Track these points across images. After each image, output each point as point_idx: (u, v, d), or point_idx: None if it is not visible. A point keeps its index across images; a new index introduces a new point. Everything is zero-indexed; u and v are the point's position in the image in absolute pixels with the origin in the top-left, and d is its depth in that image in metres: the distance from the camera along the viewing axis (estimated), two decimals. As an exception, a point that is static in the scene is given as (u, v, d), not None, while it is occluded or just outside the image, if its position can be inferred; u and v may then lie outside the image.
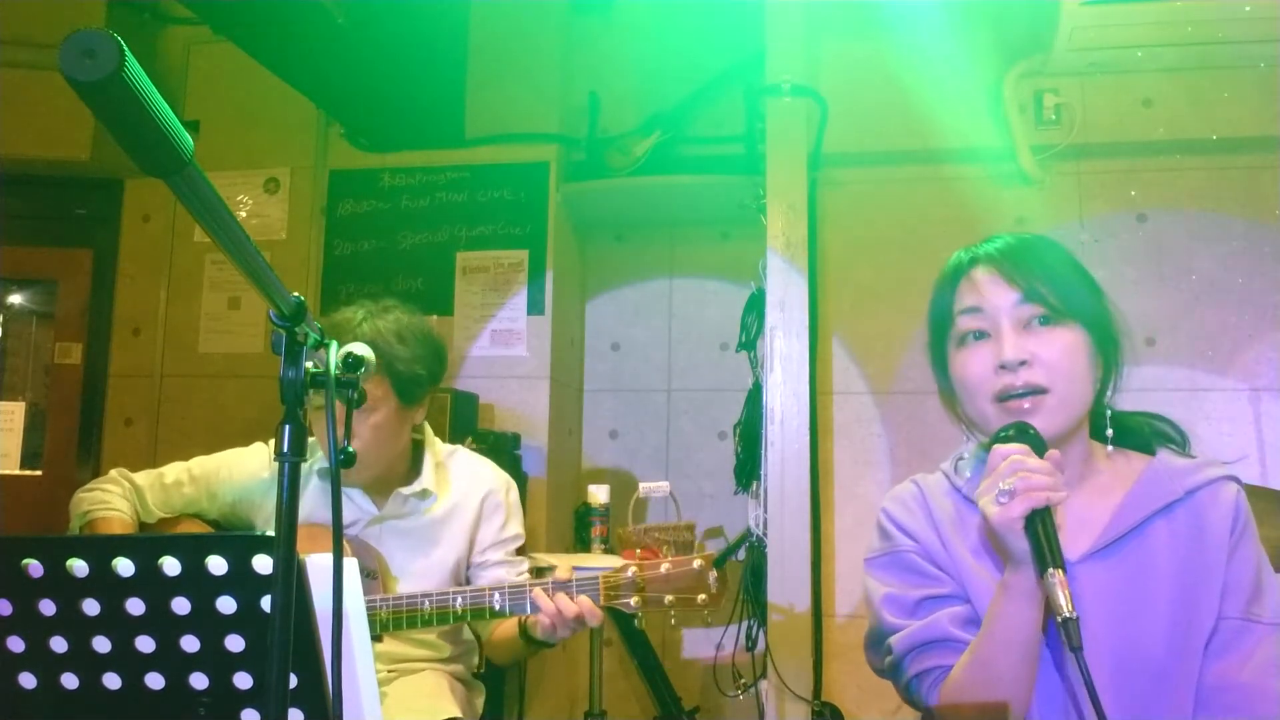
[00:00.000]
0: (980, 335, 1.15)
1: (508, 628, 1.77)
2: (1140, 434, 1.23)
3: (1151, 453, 1.20)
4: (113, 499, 1.80)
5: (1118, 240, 2.97)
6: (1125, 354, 1.18)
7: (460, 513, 1.84)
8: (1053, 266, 1.16)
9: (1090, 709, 1.05)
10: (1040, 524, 0.99)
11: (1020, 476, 1.00)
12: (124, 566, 0.92)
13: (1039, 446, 1.05)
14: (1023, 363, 1.10)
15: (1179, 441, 1.23)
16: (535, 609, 1.57)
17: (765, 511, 2.65)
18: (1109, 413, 1.19)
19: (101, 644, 0.95)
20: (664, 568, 1.57)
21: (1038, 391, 1.10)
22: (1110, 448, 1.19)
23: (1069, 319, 1.13)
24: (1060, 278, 1.15)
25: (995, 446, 1.06)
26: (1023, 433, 1.07)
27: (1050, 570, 0.97)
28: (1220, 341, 2.89)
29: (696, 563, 1.57)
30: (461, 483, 1.87)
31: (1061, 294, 1.13)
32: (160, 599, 0.93)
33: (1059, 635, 1.08)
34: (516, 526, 1.91)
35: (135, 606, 0.93)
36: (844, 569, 2.99)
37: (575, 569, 1.61)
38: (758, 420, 2.76)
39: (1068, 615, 0.94)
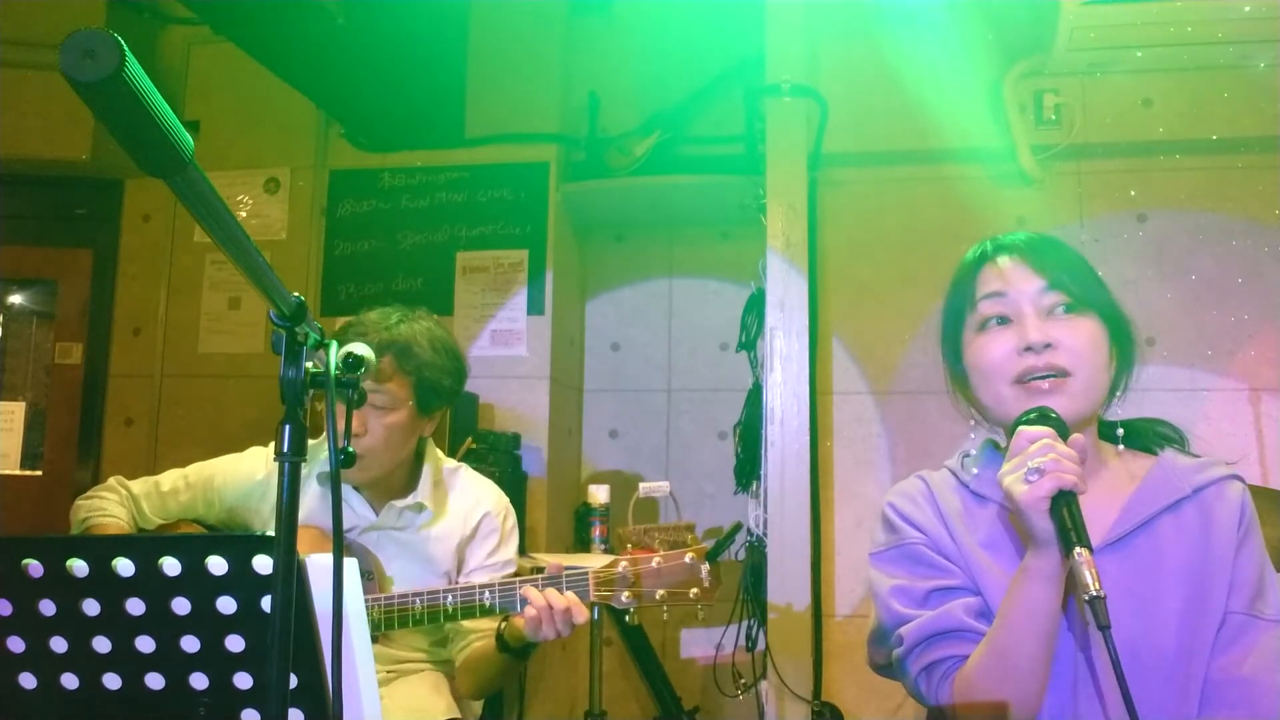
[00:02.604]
0: (1002, 320, 1.16)
1: (484, 645, 1.73)
2: (1143, 436, 1.24)
3: (1154, 453, 1.21)
4: (110, 506, 1.80)
5: (1118, 240, 2.97)
6: (1137, 352, 1.20)
7: (455, 531, 1.82)
8: (1072, 261, 1.19)
9: (1107, 693, 1.06)
10: (1066, 505, 1.00)
11: (1051, 458, 1.01)
12: (124, 566, 0.92)
13: (1063, 431, 1.06)
14: (1047, 345, 1.12)
15: (1180, 443, 1.24)
16: (524, 605, 1.54)
17: (765, 511, 2.65)
18: (1118, 413, 1.20)
19: (101, 644, 0.95)
20: (655, 562, 1.55)
21: (1059, 374, 1.11)
22: (1120, 447, 1.20)
23: (1090, 310, 1.15)
24: (1079, 272, 1.17)
25: (1020, 429, 1.07)
26: (1045, 417, 1.08)
27: (1077, 549, 0.97)
28: (1220, 341, 2.89)
29: (688, 556, 1.55)
30: (459, 502, 1.85)
31: (1082, 286, 1.15)
32: (160, 599, 0.93)
33: (1079, 619, 1.09)
34: (509, 552, 1.88)
35: (135, 606, 0.93)
36: (844, 569, 2.99)
37: (565, 567, 1.59)
38: (758, 420, 2.76)
39: (1095, 593, 0.93)
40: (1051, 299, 1.14)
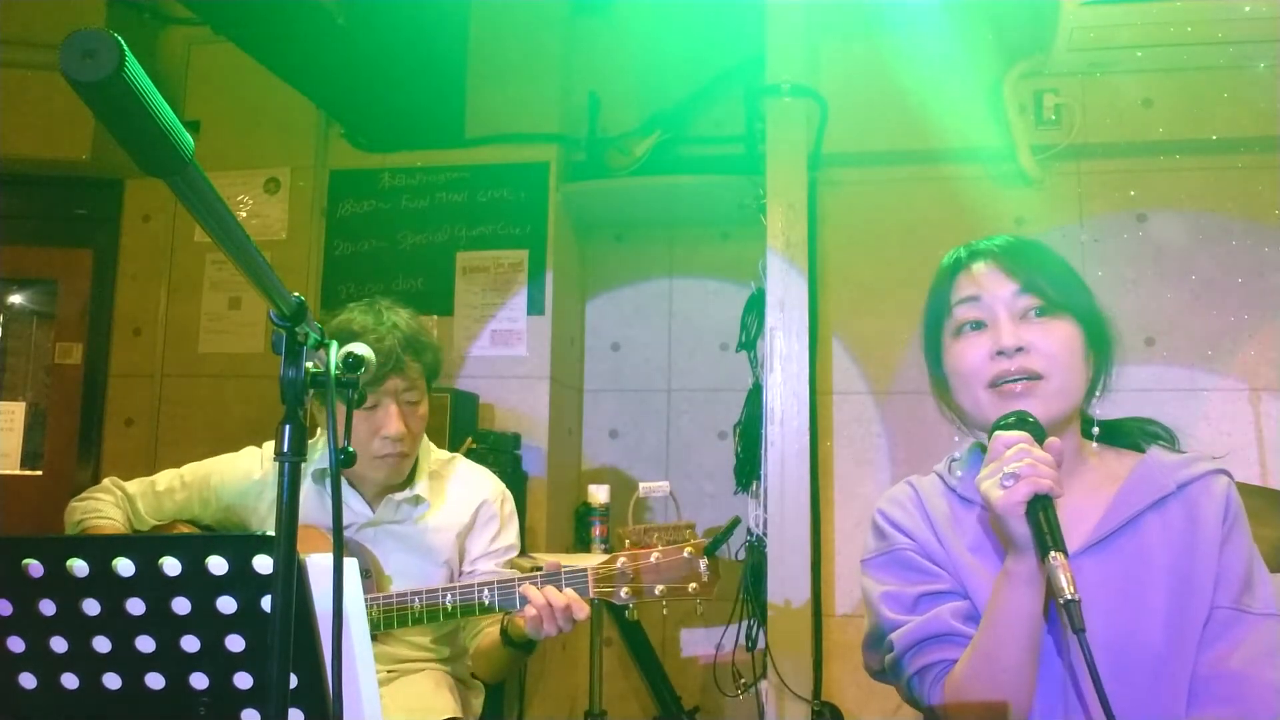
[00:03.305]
0: (977, 325, 1.17)
1: (491, 635, 1.75)
2: (1131, 436, 1.24)
3: (1141, 451, 1.21)
4: (105, 507, 1.80)
5: (1118, 240, 2.97)
6: (1116, 354, 1.20)
7: (453, 522, 1.83)
8: (1048, 263, 1.19)
9: (1091, 696, 1.05)
10: (1042, 509, 1.00)
11: (1027, 463, 1.01)
12: (124, 566, 0.92)
13: (1039, 435, 1.06)
14: (1019, 349, 1.12)
15: (1169, 441, 1.24)
16: (524, 603, 1.55)
17: (765, 511, 2.65)
18: (1096, 413, 1.21)
19: (101, 644, 0.95)
20: (654, 557, 1.56)
21: (1032, 377, 1.12)
22: (1096, 445, 1.20)
23: (1064, 312, 1.15)
24: (1056, 274, 1.18)
25: (997, 434, 1.07)
26: (1022, 421, 1.08)
27: (1052, 553, 0.97)
28: (1220, 341, 2.89)
29: (686, 551, 1.56)
30: (457, 492, 1.87)
31: (1058, 288, 1.16)
32: (160, 599, 0.93)
33: (1060, 620, 1.09)
34: (510, 537, 1.90)
35: (135, 606, 0.93)
36: (844, 569, 2.99)
37: (564, 566, 1.59)
38: (758, 420, 2.76)
39: (1070, 597, 0.94)
40: (1025, 302, 1.15)
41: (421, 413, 1.77)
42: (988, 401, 1.14)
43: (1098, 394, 1.20)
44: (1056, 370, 1.12)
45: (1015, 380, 1.12)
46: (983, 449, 1.26)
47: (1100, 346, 1.18)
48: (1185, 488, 1.14)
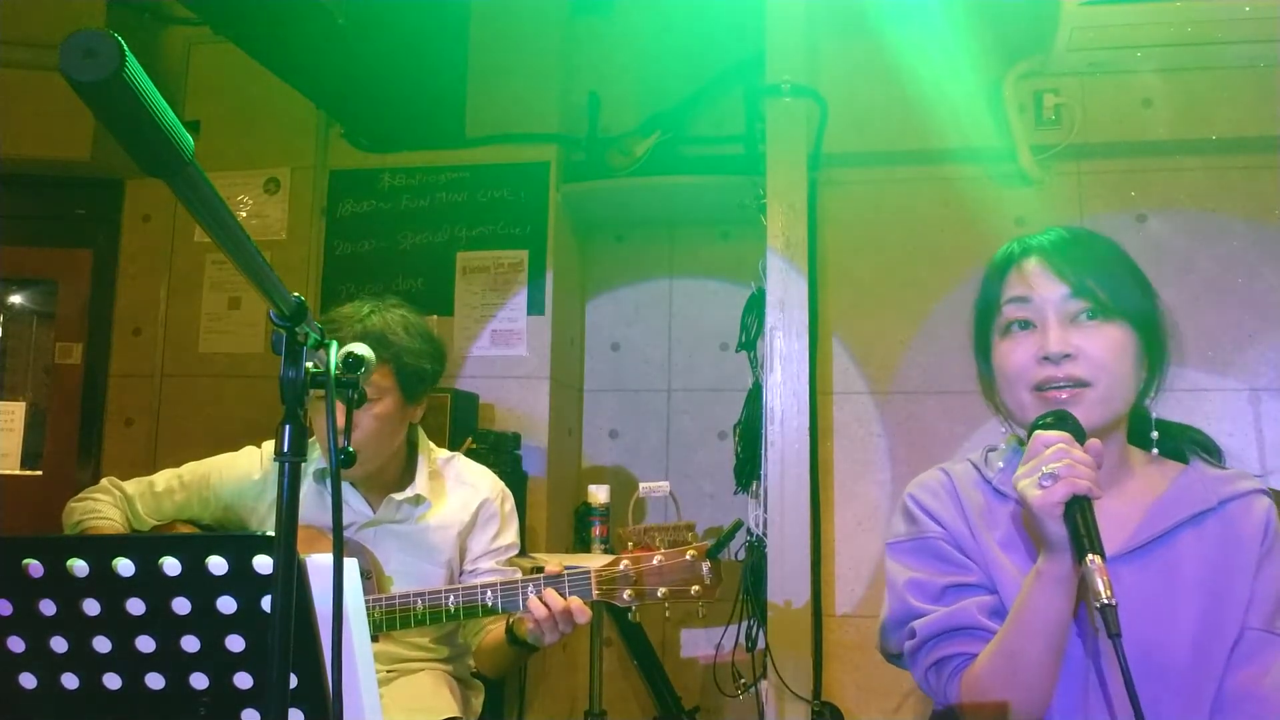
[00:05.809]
0: (1025, 325, 1.15)
1: (495, 634, 1.76)
2: (1176, 442, 1.22)
3: (1184, 461, 1.20)
4: (104, 507, 1.80)
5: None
6: (1171, 356, 1.18)
7: (454, 520, 1.83)
8: (1104, 263, 1.16)
9: (1117, 700, 1.05)
10: (1080, 511, 0.98)
11: (1066, 463, 0.99)
12: (124, 566, 0.92)
13: (1079, 435, 1.05)
14: (1066, 355, 1.10)
15: (1214, 454, 1.22)
16: (525, 605, 1.56)
17: (765, 511, 2.65)
18: (1154, 418, 1.18)
19: (101, 644, 0.94)
20: (657, 560, 1.56)
21: (1078, 384, 1.10)
22: (1154, 452, 1.18)
23: (1117, 316, 1.12)
24: (1111, 275, 1.15)
25: (1036, 433, 1.05)
26: (1062, 420, 1.06)
27: (1089, 556, 0.96)
28: (1220, 341, 2.89)
29: (689, 554, 1.57)
30: (457, 491, 1.87)
31: (1111, 291, 1.13)
32: (160, 599, 0.93)
33: (1087, 624, 1.08)
34: (511, 536, 1.90)
35: (135, 606, 0.93)
36: (844, 569, 2.99)
37: (566, 567, 1.60)
38: (758, 420, 2.76)
39: (1106, 601, 0.92)
40: (1075, 306, 1.12)
41: (376, 413, 1.70)
42: (1031, 404, 1.13)
43: (1152, 396, 1.18)
44: (1103, 377, 1.10)
45: (1061, 387, 1.10)
46: (1021, 444, 1.25)
47: (1154, 350, 1.16)
48: (1226, 504, 1.13)
